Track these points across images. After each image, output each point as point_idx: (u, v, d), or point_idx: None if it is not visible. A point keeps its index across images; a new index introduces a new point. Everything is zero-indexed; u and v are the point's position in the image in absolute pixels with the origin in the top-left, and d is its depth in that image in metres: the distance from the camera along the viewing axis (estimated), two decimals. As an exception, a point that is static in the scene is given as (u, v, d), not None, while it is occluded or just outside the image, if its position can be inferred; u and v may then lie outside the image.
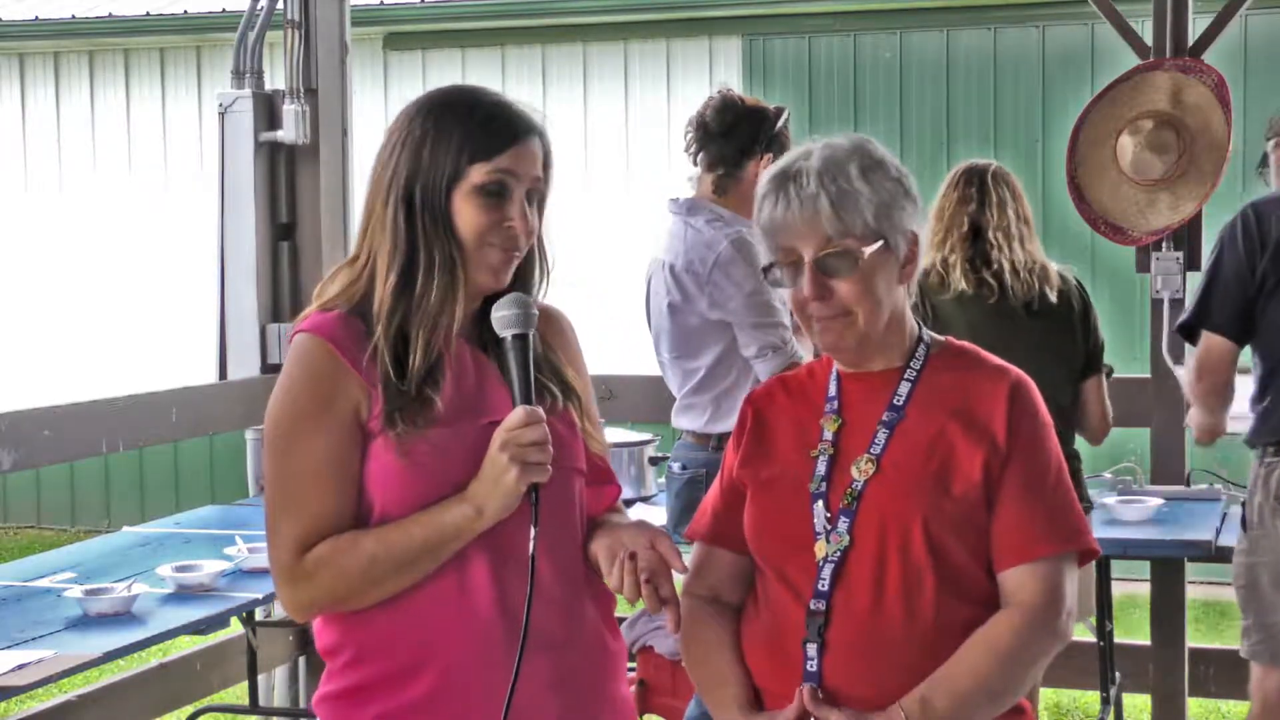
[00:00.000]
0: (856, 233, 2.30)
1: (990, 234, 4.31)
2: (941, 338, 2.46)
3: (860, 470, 2.33)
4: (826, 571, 2.29)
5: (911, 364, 2.39)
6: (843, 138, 2.39)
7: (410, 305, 2.19)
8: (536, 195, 2.25)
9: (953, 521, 2.28)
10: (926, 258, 4.31)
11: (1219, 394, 4.12)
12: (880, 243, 2.32)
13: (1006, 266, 4.29)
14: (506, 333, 2.21)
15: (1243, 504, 4.21)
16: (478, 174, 2.20)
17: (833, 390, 2.41)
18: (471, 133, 2.20)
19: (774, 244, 2.35)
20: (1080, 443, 4.52)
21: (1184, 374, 4.17)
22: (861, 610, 2.27)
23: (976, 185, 4.37)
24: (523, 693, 2.14)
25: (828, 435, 2.37)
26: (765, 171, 2.44)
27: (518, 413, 2.16)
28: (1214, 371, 4.08)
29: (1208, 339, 4.06)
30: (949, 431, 2.32)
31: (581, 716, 2.28)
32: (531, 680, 2.17)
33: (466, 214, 2.20)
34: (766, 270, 2.39)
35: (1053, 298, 4.30)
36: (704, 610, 2.43)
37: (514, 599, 2.19)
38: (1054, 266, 4.38)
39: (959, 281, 4.29)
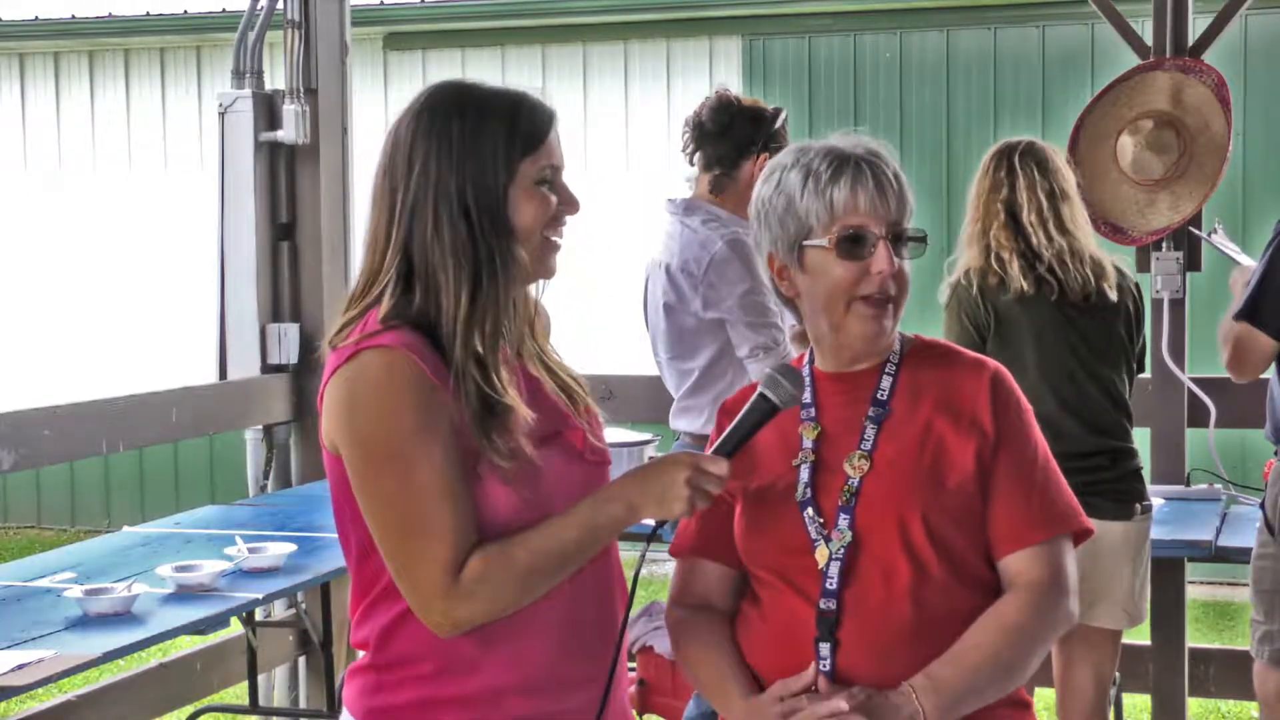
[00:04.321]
0: (912, 224, 2.38)
1: (1025, 220, 4.09)
2: (911, 334, 2.47)
3: (854, 467, 2.33)
4: (833, 569, 2.29)
5: (890, 359, 2.40)
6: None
7: (486, 315, 2.15)
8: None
9: (951, 513, 2.30)
10: (970, 252, 4.17)
11: (1241, 376, 4.03)
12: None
13: (1054, 259, 4.08)
14: (770, 397, 2.25)
15: (1261, 504, 4.10)
16: (530, 168, 2.17)
17: (808, 396, 2.41)
18: (515, 128, 2.17)
19: (833, 220, 2.32)
20: None
21: (1221, 326, 4.05)
22: (871, 606, 2.28)
23: (1005, 169, 4.14)
24: (560, 694, 2.19)
25: (807, 443, 2.38)
26: (826, 142, 2.38)
27: (724, 463, 2.19)
28: (1246, 362, 3.99)
29: (1249, 331, 3.94)
30: (937, 425, 2.33)
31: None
32: (571, 682, 2.21)
33: (527, 210, 2.17)
34: (800, 247, 2.35)
35: (1112, 295, 4.11)
36: (695, 617, 2.43)
37: (569, 595, 2.20)
38: (1109, 261, 4.19)
39: (1017, 279, 4.06)
